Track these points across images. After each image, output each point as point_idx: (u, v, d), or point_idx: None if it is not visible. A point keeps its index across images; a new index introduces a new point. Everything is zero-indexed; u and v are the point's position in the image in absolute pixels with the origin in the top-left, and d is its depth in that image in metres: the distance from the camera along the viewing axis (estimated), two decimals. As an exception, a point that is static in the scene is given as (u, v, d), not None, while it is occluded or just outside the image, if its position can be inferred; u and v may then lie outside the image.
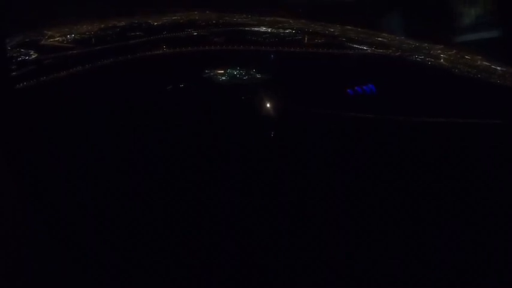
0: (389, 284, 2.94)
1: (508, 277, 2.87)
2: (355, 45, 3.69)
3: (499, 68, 3.77)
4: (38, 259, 2.58)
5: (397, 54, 3.71)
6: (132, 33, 3.56)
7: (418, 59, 3.73)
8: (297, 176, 3.14)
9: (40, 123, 2.91)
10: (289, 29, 3.73)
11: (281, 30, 3.72)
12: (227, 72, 3.41)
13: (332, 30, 3.76)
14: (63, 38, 3.55)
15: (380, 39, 3.80)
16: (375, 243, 3.01)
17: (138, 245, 2.87)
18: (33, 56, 3.44)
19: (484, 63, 3.78)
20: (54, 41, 3.53)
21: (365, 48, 3.70)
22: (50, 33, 3.56)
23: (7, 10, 3.03)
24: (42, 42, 3.54)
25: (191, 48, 3.45)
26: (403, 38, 3.83)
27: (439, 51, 3.82)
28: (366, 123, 3.33)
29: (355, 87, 3.35)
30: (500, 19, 3.94)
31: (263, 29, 3.70)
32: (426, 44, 3.82)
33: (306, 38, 3.67)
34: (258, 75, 3.41)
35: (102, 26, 3.58)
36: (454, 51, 3.81)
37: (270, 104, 3.28)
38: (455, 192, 3.14)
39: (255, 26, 3.71)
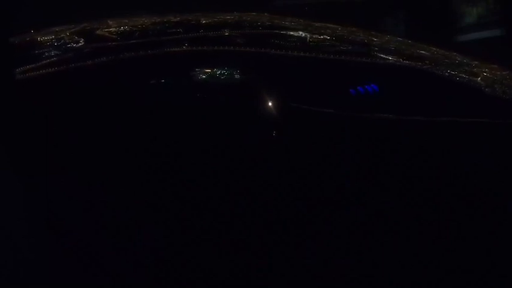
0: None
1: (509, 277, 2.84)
2: (381, 55, 3.75)
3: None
4: (38, 258, 2.64)
5: (424, 67, 3.71)
6: (173, 30, 3.74)
7: (446, 73, 3.71)
8: (298, 176, 3.19)
9: (43, 117, 3.02)
10: (325, 35, 3.82)
11: (316, 36, 3.81)
12: (230, 73, 3.52)
13: (375, 39, 3.83)
14: (117, 29, 3.81)
15: (422, 52, 3.86)
16: (378, 243, 3.03)
17: (139, 245, 2.91)
18: (79, 44, 3.69)
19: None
20: (107, 31, 3.74)
21: (390, 58, 3.73)
22: (111, 23, 3.85)
23: (14, 10, 3.14)
24: (97, 32, 3.80)
25: (206, 47, 3.59)
26: (454, 54, 3.85)
27: (484, 70, 3.80)
28: (370, 124, 3.39)
29: (358, 88, 3.43)
30: (503, 19, 3.81)
31: (299, 33, 3.82)
32: (475, 62, 3.82)
33: (331, 45, 3.74)
34: (261, 77, 3.49)
35: (158, 20, 3.82)
36: (508, 72, 3.78)
37: (271, 105, 3.36)
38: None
39: (294, 30, 3.83)
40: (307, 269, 2.91)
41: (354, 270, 2.93)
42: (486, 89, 3.64)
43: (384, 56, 3.72)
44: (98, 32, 3.76)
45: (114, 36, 3.70)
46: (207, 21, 3.80)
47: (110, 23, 3.81)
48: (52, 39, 3.67)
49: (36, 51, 3.58)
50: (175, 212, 3.02)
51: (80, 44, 3.66)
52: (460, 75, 3.72)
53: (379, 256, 2.97)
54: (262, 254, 2.94)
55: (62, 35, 3.70)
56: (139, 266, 2.85)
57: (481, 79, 3.70)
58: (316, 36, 3.77)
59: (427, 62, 3.74)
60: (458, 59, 3.84)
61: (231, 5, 3.79)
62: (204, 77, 3.50)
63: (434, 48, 3.87)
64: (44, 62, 3.51)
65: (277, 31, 3.78)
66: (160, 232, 2.94)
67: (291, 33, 3.78)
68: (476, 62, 3.82)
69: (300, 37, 3.76)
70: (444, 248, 2.96)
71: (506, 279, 2.82)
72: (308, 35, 3.76)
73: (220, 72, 3.49)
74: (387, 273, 2.92)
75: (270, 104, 3.32)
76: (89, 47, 3.63)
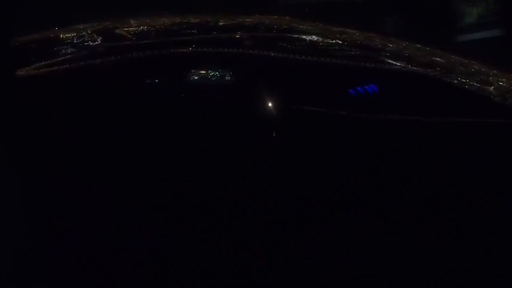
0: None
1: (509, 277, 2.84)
2: (388, 60, 3.79)
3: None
4: (38, 258, 2.65)
5: (431, 73, 3.74)
6: (187, 31, 3.79)
7: (454, 80, 3.74)
8: (298, 177, 3.20)
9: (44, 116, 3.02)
10: (338, 40, 3.84)
11: (327, 40, 3.84)
12: (232, 74, 3.56)
13: (390, 45, 3.85)
14: (135, 28, 3.85)
15: (437, 59, 3.87)
16: (377, 243, 3.03)
17: (139, 245, 2.92)
18: (94, 43, 3.73)
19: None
20: (126, 30, 3.75)
21: (398, 64, 3.77)
22: (132, 22, 3.88)
23: (14, 10, 3.15)
24: (117, 31, 3.83)
25: (212, 49, 3.62)
26: (472, 62, 3.86)
27: (500, 79, 3.81)
28: (369, 124, 3.42)
29: (357, 90, 3.47)
30: (503, 19, 3.81)
31: (312, 37, 3.84)
32: (494, 71, 3.83)
33: (340, 49, 3.78)
34: (262, 79, 3.50)
35: (177, 21, 3.85)
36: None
37: (272, 106, 3.39)
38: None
39: (307, 34, 3.85)
40: (307, 269, 2.91)
41: (353, 270, 2.93)
42: (495, 98, 3.67)
43: (392, 62, 3.76)
44: (116, 31, 3.79)
45: (129, 36, 3.74)
46: (225, 23, 3.84)
47: (132, 22, 3.84)
48: (72, 36, 3.70)
49: (45, 50, 3.62)
50: (175, 212, 3.03)
51: (95, 42, 3.70)
52: (471, 83, 3.73)
53: (379, 256, 2.97)
54: (262, 254, 2.94)
55: (83, 33, 3.74)
56: (139, 266, 2.86)
57: (493, 88, 3.72)
58: (328, 40, 3.79)
59: (438, 69, 3.76)
60: (475, 67, 3.85)
61: (233, 5, 3.80)
62: (205, 77, 3.52)
63: (452, 56, 3.88)
64: (46, 61, 3.53)
65: (289, 34, 3.82)
66: (160, 232, 2.95)
67: (303, 36, 3.81)
68: (495, 71, 3.83)
69: (310, 41, 3.78)
70: (444, 248, 2.96)
71: (506, 279, 2.82)
72: (320, 39, 3.78)
73: (222, 73, 3.51)
74: (387, 273, 2.92)
75: (270, 105, 3.34)
76: (101, 46, 3.66)
